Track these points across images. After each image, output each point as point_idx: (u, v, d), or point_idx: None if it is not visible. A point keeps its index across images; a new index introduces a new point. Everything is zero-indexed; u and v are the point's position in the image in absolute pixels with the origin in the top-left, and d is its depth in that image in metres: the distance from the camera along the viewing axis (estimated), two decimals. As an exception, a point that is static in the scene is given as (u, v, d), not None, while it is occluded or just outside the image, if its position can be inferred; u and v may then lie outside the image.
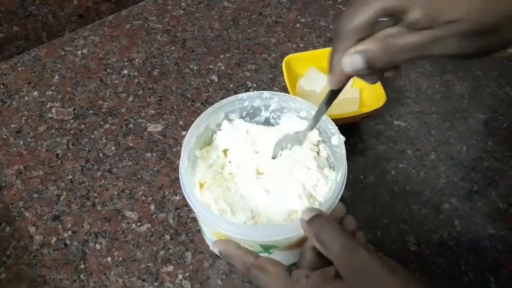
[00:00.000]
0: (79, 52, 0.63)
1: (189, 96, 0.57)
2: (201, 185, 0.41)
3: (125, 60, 0.62)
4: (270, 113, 0.45)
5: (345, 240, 0.29)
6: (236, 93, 0.57)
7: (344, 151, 0.39)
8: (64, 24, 0.64)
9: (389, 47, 0.28)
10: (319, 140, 0.43)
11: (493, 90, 0.58)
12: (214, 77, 0.60)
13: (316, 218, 0.31)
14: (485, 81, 0.59)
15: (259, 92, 0.43)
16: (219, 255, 0.36)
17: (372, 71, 0.30)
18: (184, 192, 0.37)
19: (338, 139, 0.40)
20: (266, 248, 0.37)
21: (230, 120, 0.44)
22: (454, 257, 0.44)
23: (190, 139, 0.40)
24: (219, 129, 0.44)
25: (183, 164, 0.38)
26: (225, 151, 0.43)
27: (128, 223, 0.46)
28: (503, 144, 0.52)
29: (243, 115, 0.44)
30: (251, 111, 0.44)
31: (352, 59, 0.29)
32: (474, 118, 0.55)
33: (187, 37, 0.65)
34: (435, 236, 0.45)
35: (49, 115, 0.56)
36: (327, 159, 0.42)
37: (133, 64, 0.61)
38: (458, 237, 0.45)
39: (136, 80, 0.59)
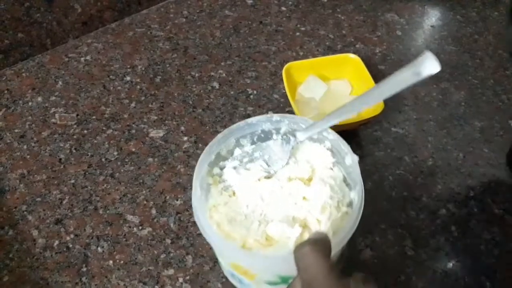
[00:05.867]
0: (82, 58, 0.64)
1: (190, 102, 0.58)
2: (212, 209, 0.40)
3: (128, 67, 0.63)
4: (282, 136, 0.43)
5: (319, 271, 0.27)
6: (236, 100, 0.58)
7: (358, 170, 0.37)
8: (68, 31, 0.66)
9: None
10: (334, 162, 0.41)
11: (489, 98, 0.59)
12: (215, 84, 0.61)
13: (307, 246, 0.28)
14: (481, 89, 0.60)
15: (269, 115, 0.42)
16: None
17: None
18: (198, 223, 0.35)
19: (351, 158, 0.38)
20: (285, 279, 0.35)
21: (241, 146, 0.43)
22: (451, 262, 0.44)
23: (201, 167, 0.39)
24: (231, 157, 0.42)
25: (196, 193, 0.37)
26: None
27: (130, 227, 0.47)
28: (499, 151, 0.53)
29: (254, 139, 0.43)
30: (262, 135, 0.43)
31: None
32: (470, 125, 0.56)
33: (189, 45, 0.66)
34: (432, 241, 0.46)
35: (53, 120, 0.57)
36: (344, 181, 0.41)
37: (136, 70, 0.62)
38: (455, 242, 0.45)
39: (138, 87, 0.60)
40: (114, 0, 0.67)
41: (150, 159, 0.52)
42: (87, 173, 0.51)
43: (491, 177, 0.51)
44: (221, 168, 0.42)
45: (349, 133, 0.54)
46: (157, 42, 0.66)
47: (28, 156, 0.53)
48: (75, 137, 0.55)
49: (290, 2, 0.73)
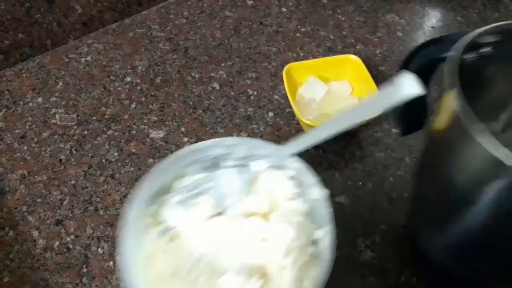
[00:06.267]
0: (83, 59, 0.64)
1: (191, 103, 0.58)
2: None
3: (128, 67, 0.63)
4: (238, 163, 0.37)
5: None
6: (237, 100, 0.58)
7: (328, 208, 0.31)
8: (68, 32, 0.66)
9: None
10: (296, 193, 0.35)
11: (489, 99, 0.59)
12: (216, 85, 0.61)
13: None
14: (481, 90, 0.60)
15: (221, 139, 0.36)
16: None
17: None
18: (125, 281, 0.29)
19: (318, 193, 0.33)
20: None
21: (187, 177, 0.37)
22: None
23: (135, 205, 0.32)
24: (174, 190, 0.36)
25: (125, 239, 0.30)
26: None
27: (130, 227, 0.47)
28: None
29: (204, 168, 0.37)
30: (214, 162, 0.37)
31: None
32: (471, 126, 0.56)
33: (189, 46, 0.66)
34: (432, 242, 0.46)
35: (53, 121, 0.57)
36: (308, 216, 0.35)
37: (136, 71, 0.62)
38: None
39: (139, 87, 0.60)
40: (114, 0, 0.67)
41: (151, 160, 0.52)
42: (87, 174, 0.51)
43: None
44: (161, 205, 0.35)
45: (350, 134, 0.54)
46: (158, 42, 0.66)
47: (29, 157, 0.53)
48: (75, 138, 0.55)
49: (290, 3, 0.73)
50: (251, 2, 0.73)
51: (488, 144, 0.26)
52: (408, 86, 0.27)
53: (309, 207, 0.34)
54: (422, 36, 0.68)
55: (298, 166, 0.35)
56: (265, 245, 0.32)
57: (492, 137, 0.26)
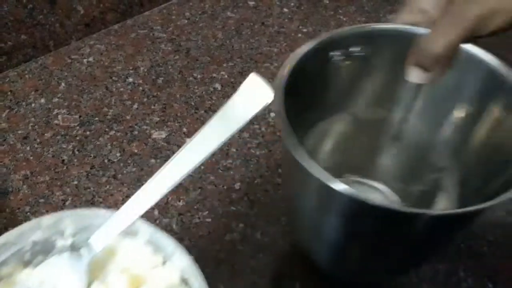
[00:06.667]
0: (85, 60, 0.64)
1: (192, 104, 0.59)
2: None
3: (130, 68, 0.63)
4: (70, 241, 0.29)
5: None
6: (238, 101, 0.58)
7: (200, 276, 0.26)
8: (70, 33, 0.66)
9: None
10: (160, 261, 0.29)
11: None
12: (218, 86, 0.61)
13: None
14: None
15: (37, 219, 0.29)
16: None
17: None
18: None
19: (182, 259, 0.27)
20: None
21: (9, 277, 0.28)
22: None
23: None
24: None
25: None
26: None
27: (132, 228, 0.47)
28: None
29: (28, 258, 0.29)
30: (40, 247, 0.29)
31: None
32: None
33: (191, 46, 0.66)
34: (434, 242, 0.45)
35: (56, 121, 0.57)
36: (181, 286, 0.28)
37: (138, 72, 0.63)
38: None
39: (141, 88, 0.61)
40: (116, 1, 0.67)
41: (153, 161, 0.53)
42: (89, 174, 0.51)
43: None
44: None
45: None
46: (160, 43, 0.67)
47: (31, 157, 0.53)
48: (77, 138, 0.55)
49: (292, 4, 0.73)
50: (253, 2, 0.74)
51: (309, 166, 0.27)
52: (258, 94, 0.23)
53: (180, 274, 0.28)
54: (423, 36, 0.68)
55: (149, 229, 0.28)
56: None
57: (312, 160, 0.27)
